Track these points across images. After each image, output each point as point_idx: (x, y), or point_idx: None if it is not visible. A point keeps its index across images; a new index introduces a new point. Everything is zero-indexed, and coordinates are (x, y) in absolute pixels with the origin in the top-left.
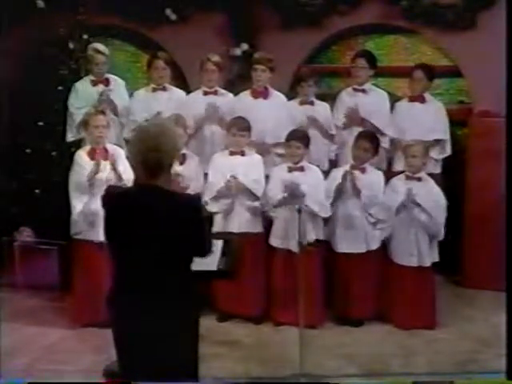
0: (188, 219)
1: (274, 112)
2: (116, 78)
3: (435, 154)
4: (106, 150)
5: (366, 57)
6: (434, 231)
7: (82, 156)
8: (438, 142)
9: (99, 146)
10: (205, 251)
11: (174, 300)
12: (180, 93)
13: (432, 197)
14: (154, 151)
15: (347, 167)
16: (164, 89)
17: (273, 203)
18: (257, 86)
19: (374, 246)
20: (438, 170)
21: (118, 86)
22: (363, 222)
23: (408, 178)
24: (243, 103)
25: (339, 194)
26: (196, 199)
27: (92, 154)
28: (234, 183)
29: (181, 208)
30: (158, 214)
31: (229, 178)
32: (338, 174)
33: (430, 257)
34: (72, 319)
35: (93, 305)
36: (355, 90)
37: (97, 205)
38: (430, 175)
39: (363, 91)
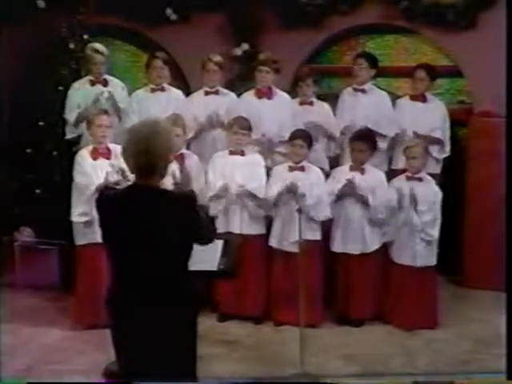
0: (183, 216)
1: (278, 112)
2: (114, 78)
3: (435, 152)
4: (108, 150)
5: (366, 57)
6: (430, 231)
7: (84, 156)
8: (438, 140)
9: (101, 145)
10: (204, 243)
11: (172, 300)
12: (178, 93)
13: (431, 197)
14: (144, 154)
15: (346, 168)
16: (162, 89)
17: (272, 201)
18: (261, 86)
19: (373, 247)
20: (438, 170)
21: (116, 87)
22: (362, 223)
23: (409, 178)
24: (247, 103)
25: (340, 197)
26: (190, 195)
27: (94, 154)
28: (232, 189)
29: (175, 205)
30: (154, 214)
31: (224, 185)
32: (337, 175)
33: (430, 257)
34: (74, 321)
35: (95, 307)
36: (355, 89)
37: None
38: (430, 175)
39: (363, 91)
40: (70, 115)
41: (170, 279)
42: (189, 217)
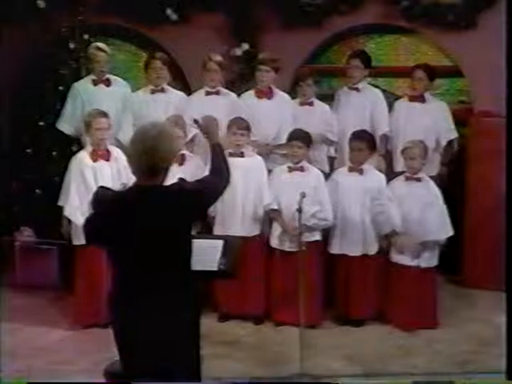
0: (185, 206)
1: (278, 112)
2: (117, 78)
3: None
4: (107, 152)
5: (360, 57)
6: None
7: (82, 158)
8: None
9: (101, 147)
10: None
11: (174, 300)
12: (179, 94)
13: (430, 198)
14: (147, 154)
15: (345, 169)
16: (162, 90)
17: (269, 207)
18: (261, 86)
19: (373, 249)
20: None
21: (119, 87)
22: (362, 224)
23: (407, 178)
24: (247, 104)
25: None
26: (188, 188)
27: (94, 156)
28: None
29: (176, 203)
30: (155, 215)
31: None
32: (337, 177)
33: (431, 258)
34: (74, 321)
35: (95, 306)
36: (350, 88)
37: None
38: (430, 175)
39: (357, 90)
40: (72, 117)
41: (172, 279)
42: (192, 198)
